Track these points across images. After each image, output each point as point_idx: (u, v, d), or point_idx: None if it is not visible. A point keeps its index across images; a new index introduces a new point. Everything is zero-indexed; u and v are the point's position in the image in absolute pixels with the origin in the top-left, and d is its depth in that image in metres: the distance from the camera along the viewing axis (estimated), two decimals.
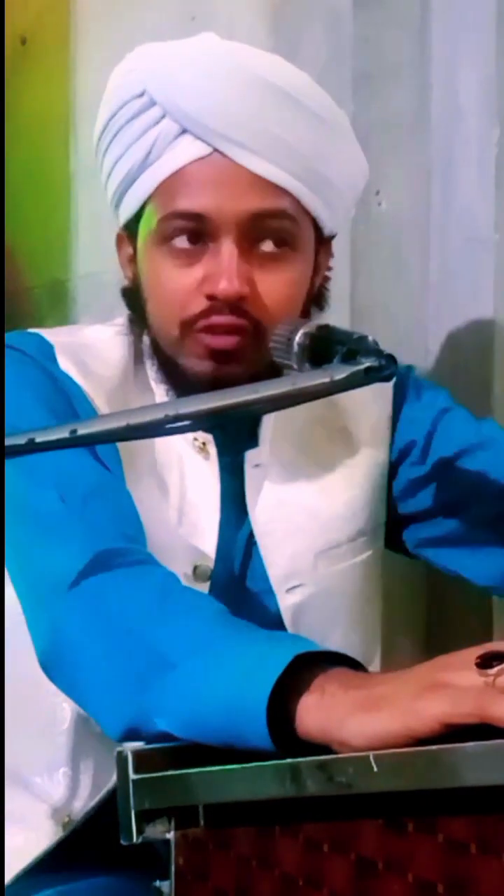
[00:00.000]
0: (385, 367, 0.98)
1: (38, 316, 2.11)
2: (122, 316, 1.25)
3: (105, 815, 1.15)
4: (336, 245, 1.53)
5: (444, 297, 1.51)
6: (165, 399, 1.19)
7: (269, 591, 1.21)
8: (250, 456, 1.21)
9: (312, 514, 1.22)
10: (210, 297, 1.13)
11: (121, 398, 1.17)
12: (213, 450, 1.20)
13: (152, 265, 1.16)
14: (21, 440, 0.90)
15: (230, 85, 1.14)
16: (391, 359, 0.99)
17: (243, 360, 1.14)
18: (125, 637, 0.97)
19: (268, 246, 1.14)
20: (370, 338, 1.01)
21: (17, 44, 2.15)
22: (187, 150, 1.14)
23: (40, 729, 1.18)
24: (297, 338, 1.06)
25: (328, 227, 1.20)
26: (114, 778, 1.10)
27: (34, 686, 1.06)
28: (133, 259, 1.21)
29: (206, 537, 1.19)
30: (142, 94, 1.14)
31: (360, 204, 1.52)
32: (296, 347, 1.06)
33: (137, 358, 1.22)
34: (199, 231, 1.13)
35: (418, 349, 1.52)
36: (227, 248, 1.12)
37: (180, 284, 1.14)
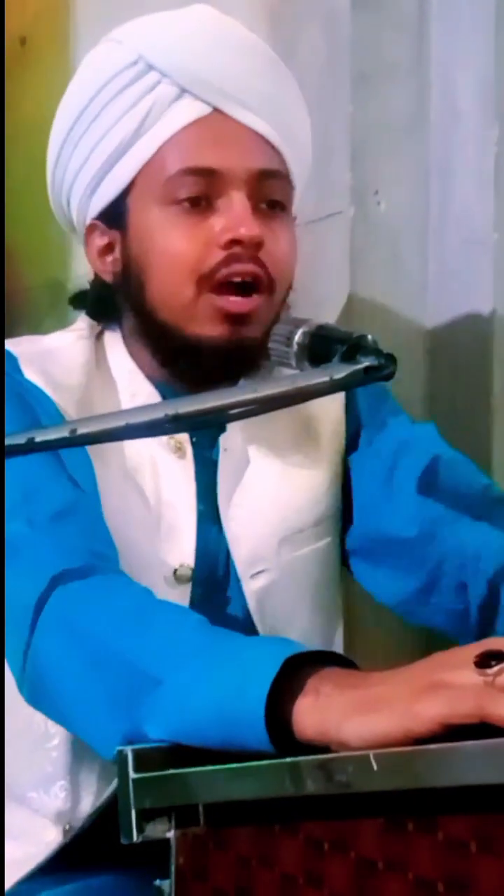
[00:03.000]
0: (384, 367, 0.98)
1: (36, 316, 2.11)
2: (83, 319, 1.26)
3: (105, 815, 1.15)
4: (335, 245, 1.54)
5: (442, 297, 1.51)
6: (130, 390, 1.20)
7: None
8: (222, 441, 1.22)
9: (276, 499, 1.23)
10: (230, 244, 1.13)
11: (88, 405, 1.17)
12: (188, 448, 1.20)
13: (158, 227, 1.16)
14: (21, 440, 0.90)
15: (227, 45, 1.17)
16: (390, 358, 0.99)
17: (258, 323, 1.15)
18: (104, 657, 0.96)
19: (266, 207, 1.17)
20: (369, 337, 1.01)
21: (17, 44, 2.15)
22: (187, 111, 1.15)
23: (32, 744, 1.17)
24: (297, 337, 1.06)
25: (296, 203, 1.22)
26: (112, 786, 1.10)
27: (23, 702, 1.05)
28: (109, 249, 1.21)
29: (184, 539, 1.19)
30: (135, 62, 1.15)
31: (359, 204, 1.53)
32: (295, 347, 1.06)
33: (99, 358, 1.22)
34: (208, 187, 1.14)
35: (417, 349, 1.52)
36: (240, 199, 1.14)
37: (195, 239, 1.14)
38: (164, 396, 1.20)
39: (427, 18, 1.53)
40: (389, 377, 0.99)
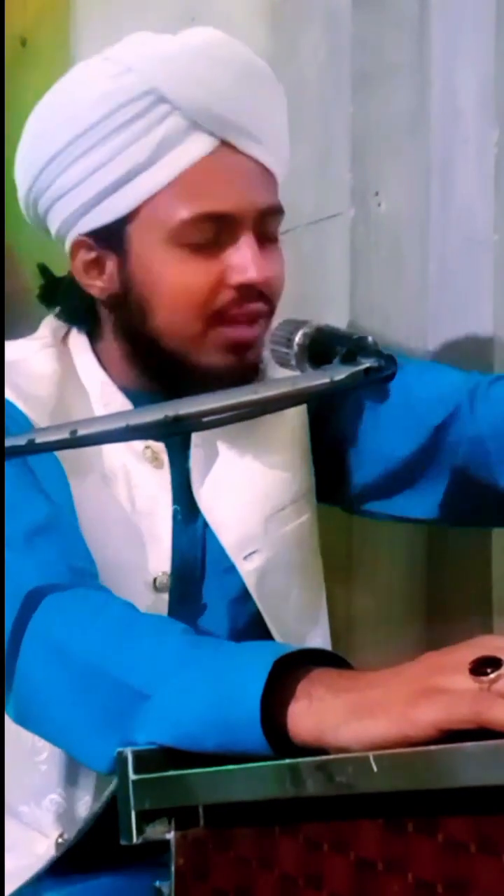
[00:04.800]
0: (385, 368, 0.98)
1: (37, 316, 2.11)
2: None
3: (105, 816, 1.15)
4: (335, 246, 1.54)
5: (443, 298, 1.51)
6: (102, 400, 1.19)
7: (229, 568, 1.22)
8: (193, 437, 1.22)
9: (255, 480, 1.24)
10: (241, 286, 1.15)
11: (62, 416, 1.15)
12: (165, 457, 1.20)
13: (167, 266, 1.15)
14: (21, 441, 0.90)
15: (236, 75, 1.16)
16: (391, 359, 0.99)
17: (259, 347, 1.17)
18: (89, 676, 0.95)
19: (266, 239, 1.18)
20: (370, 338, 1.01)
21: (18, 45, 2.15)
22: (198, 146, 1.14)
23: (21, 758, 1.16)
24: (297, 338, 1.06)
25: None
26: (103, 795, 1.11)
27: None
28: (97, 264, 1.19)
29: (161, 547, 1.19)
30: (148, 93, 1.14)
31: (360, 205, 1.53)
32: (296, 348, 1.06)
33: (67, 367, 1.21)
34: (219, 230, 1.15)
35: (418, 349, 1.52)
36: (248, 240, 1.15)
37: (205, 278, 1.15)
38: (135, 405, 1.19)
39: (428, 18, 1.53)
40: (390, 378, 0.99)
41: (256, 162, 1.16)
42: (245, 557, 1.22)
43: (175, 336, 1.17)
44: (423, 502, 1.29)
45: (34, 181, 1.20)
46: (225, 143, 1.15)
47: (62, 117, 1.18)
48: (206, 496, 1.22)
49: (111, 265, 1.18)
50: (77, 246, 1.20)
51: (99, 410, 1.19)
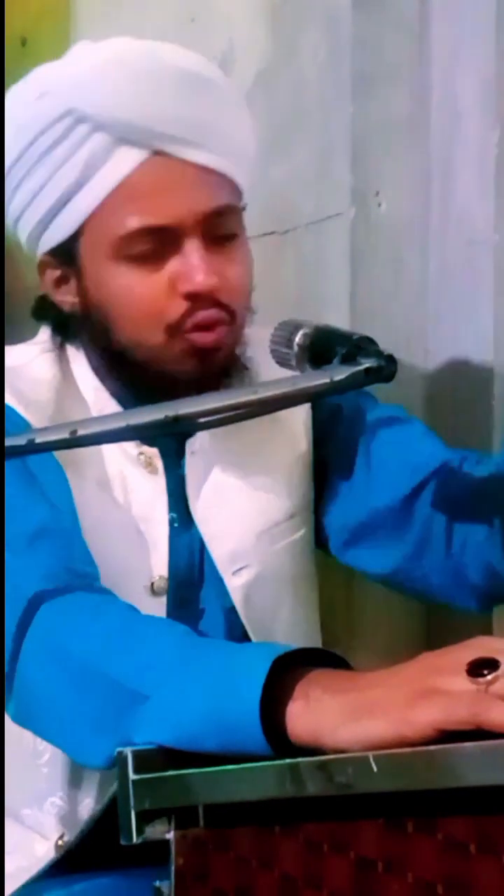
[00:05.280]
0: (385, 368, 0.98)
1: None
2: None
3: (105, 817, 1.15)
4: (335, 246, 1.53)
5: (443, 299, 1.51)
6: (97, 407, 1.19)
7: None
8: (189, 445, 1.22)
9: (250, 494, 1.23)
10: (189, 296, 1.13)
11: (61, 419, 1.15)
12: (159, 463, 1.20)
13: (115, 282, 1.15)
14: (21, 441, 0.90)
15: (159, 82, 1.13)
16: (391, 359, 0.99)
17: (224, 351, 1.16)
18: (88, 679, 0.95)
19: (220, 240, 1.15)
20: (370, 338, 1.01)
21: (18, 45, 2.15)
22: (124, 161, 1.12)
23: (23, 762, 1.17)
24: (297, 338, 1.06)
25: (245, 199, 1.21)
26: (105, 797, 1.11)
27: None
28: (64, 281, 1.19)
29: (158, 552, 1.19)
30: (65, 116, 1.12)
31: (360, 205, 1.53)
32: (295, 348, 1.06)
33: (65, 372, 1.21)
34: (161, 241, 1.13)
35: (418, 350, 1.52)
36: (193, 246, 1.13)
37: (153, 290, 1.14)
38: None
39: (428, 19, 1.53)
40: (390, 378, 0.99)
41: (197, 166, 1.13)
42: (234, 572, 1.22)
43: (139, 348, 1.16)
44: (380, 559, 1.28)
45: (7, 198, 1.20)
46: (158, 153, 1.12)
47: (4, 144, 1.17)
48: (201, 507, 1.21)
49: (74, 282, 1.19)
50: (43, 265, 1.20)
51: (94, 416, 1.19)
